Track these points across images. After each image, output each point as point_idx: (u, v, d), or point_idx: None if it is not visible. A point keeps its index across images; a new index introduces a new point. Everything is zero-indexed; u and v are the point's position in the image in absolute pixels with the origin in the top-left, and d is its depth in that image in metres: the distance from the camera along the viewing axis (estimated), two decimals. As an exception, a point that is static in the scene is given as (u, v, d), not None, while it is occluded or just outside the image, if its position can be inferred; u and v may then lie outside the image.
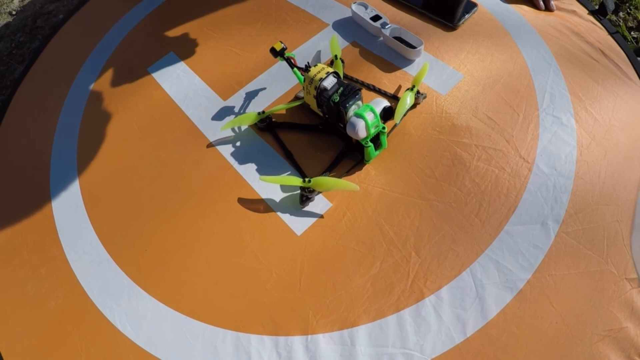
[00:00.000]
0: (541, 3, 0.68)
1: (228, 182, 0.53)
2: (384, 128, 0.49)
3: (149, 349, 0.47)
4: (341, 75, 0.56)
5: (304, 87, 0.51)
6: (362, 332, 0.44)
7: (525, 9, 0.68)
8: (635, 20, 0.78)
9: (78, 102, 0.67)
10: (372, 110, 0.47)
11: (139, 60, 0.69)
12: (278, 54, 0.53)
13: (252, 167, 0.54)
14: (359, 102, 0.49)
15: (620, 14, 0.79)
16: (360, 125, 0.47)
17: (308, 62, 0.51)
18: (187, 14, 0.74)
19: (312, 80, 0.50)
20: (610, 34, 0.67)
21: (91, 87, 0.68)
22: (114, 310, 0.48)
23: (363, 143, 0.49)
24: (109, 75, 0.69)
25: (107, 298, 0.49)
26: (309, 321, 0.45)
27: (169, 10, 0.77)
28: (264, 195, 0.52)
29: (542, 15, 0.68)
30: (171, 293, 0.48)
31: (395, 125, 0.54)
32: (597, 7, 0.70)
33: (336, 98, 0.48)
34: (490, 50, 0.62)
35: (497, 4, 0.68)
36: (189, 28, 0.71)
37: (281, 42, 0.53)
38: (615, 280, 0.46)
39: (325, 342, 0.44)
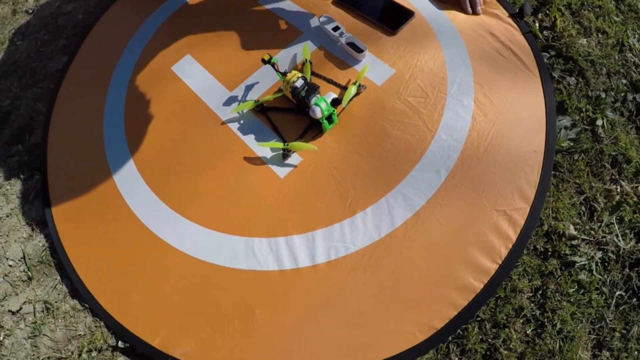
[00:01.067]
0: (469, 9, 0.91)
1: (236, 146, 0.81)
2: (334, 111, 0.76)
3: (191, 253, 0.76)
4: (309, 74, 0.82)
5: (283, 85, 0.78)
6: (319, 233, 0.73)
7: (455, 14, 0.92)
8: (550, 21, 0.99)
9: (119, 94, 0.92)
10: (325, 101, 0.75)
11: (163, 59, 0.94)
12: (266, 62, 0.80)
13: (251, 137, 0.82)
14: (318, 95, 0.77)
15: (540, 15, 1.00)
16: (317, 110, 0.74)
17: (286, 70, 0.79)
18: (197, 19, 0.98)
19: (288, 82, 0.77)
20: (523, 33, 0.90)
21: (128, 80, 0.94)
22: (165, 233, 0.77)
23: (320, 120, 0.76)
24: (141, 71, 0.94)
25: (159, 225, 0.78)
26: (287, 229, 0.74)
27: (183, 16, 1.00)
28: (259, 154, 0.80)
29: (468, 19, 0.91)
30: (200, 215, 0.77)
31: (343, 109, 0.81)
32: (517, 11, 0.92)
33: (303, 93, 0.76)
34: (418, 51, 0.87)
35: (433, 11, 0.92)
36: (200, 33, 0.96)
37: (269, 54, 0.80)
38: (486, 210, 0.73)
39: (298, 240, 0.73)
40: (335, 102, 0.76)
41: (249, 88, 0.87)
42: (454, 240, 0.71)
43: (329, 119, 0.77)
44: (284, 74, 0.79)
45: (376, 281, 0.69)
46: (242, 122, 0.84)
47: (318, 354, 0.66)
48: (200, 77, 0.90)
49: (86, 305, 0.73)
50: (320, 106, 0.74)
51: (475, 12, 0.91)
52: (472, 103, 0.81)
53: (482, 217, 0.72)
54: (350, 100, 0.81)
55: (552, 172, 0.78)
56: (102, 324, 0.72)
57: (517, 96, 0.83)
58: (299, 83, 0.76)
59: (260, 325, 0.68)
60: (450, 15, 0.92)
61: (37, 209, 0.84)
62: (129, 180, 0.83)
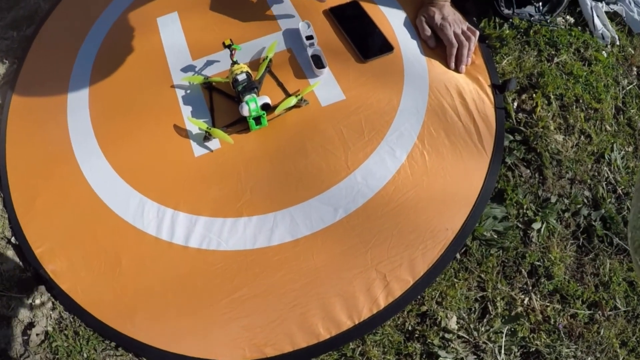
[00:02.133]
0: (452, 65, 0.87)
1: (172, 112, 0.84)
2: (264, 114, 0.77)
3: (94, 187, 0.80)
4: (262, 71, 0.83)
5: (228, 74, 0.80)
6: (202, 220, 0.75)
7: (435, 64, 0.88)
8: (531, 105, 0.90)
9: (99, 33, 0.96)
10: (255, 102, 0.75)
11: (152, 8, 0.97)
12: (226, 47, 0.82)
13: (189, 108, 0.84)
14: (253, 94, 0.78)
15: (523, 96, 0.94)
16: (245, 108, 0.76)
17: (237, 60, 0.80)
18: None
19: (232, 72, 0.79)
20: (495, 107, 0.85)
21: (115, 20, 0.97)
22: (84, 161, 0.82)
23: (247, 119, 0.77)
24: (129, 13, 0.97)
25: (83, 154, 0.83)
26: (179, 203, 0.76)
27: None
28: (188, 127, 0.83)
29: (445, 73, 0.87)
30: (117, 159, 0.81)
31: (277, 115, 0.81)
32: (500, 83, 0.87)
33: (239, 87, 0.77)
34: (377, 87, 0.85)
35: (414, 52, 0.89)
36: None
37: (230, 40, 0.81)
38: (367, 266, 0.70)
39: (183, 217, 0.75)
40: (266, 107, 0.77)
41: (209, 63, 0.88)
42: (321, 280, 0.70)
43: (258, 119, 0.78)
44: (234, 63, 0.81)
45: (229, 286, 0.70)
46: (188, 91, 0.86)
47: (158, 322, 0.69)
48: (175, 37, 0.93)
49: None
50: (249, 105, 0.75)
51: (457, 70, 0.87)
52: (405, 156, 0.79)
53: (360, 271, 0.70)
54: (288, 109, 0.81)
55: (458, 257, 0.73)
56: (7, 216, 0.79)
57: (455, 166, 0.79)
58: (241, 77, 0.78)
59: (120, 275, 0.72)
60: (429, 63, 0.88)
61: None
62: (78, 106, 0.88)
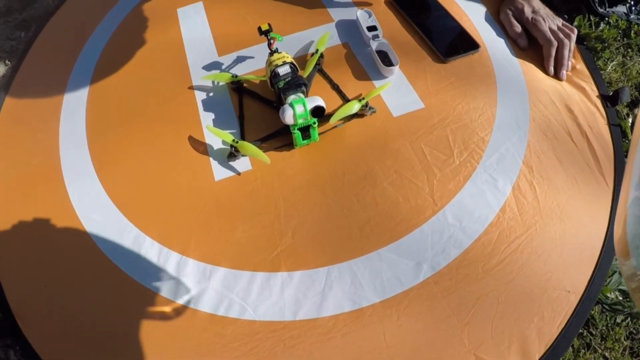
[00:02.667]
0: (551, 68, 0.66)
1: (188, 120, 0.63)
2: (314, 123, 0.55)
3: (80, 214, 0.58)
4: (310, 68, 0.62)
5: (265, 65, 0.59)
6: (220, 273, 0.51)
7: (530, 67, 0.67)
8: None
9: (112, 22, 0.79)
10: (304, 105, 0.53)
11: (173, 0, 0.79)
12: (262, 33, 0.60)
13: (210, 115, 0.63)
14: (300, 95, 0.55)
15: (637, 110, 0.72)
16: (288, 113, 0.53)
17: (277, 48, 0.58)
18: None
19: (270, 63, 0.57)
20: (609, 124, 0.63)
21: (131, 8, 0.79)
22: (71, 180, 0.61)
23: (291, 129, 0.55)
24: (141, 10, 0.79)
25: (70, 170, 0.62)
26: (189, 247, 0.53)
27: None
28: (207, 140, 0.61)
29: (545, 80, 0.66)
30: (112, 182, 0.59)
31: (334, 127, 0.59)
32: (610, 93, 0.66)
33: (281, 84, 0.55)
34: (465, 93, 0.62)
35: (504, 54, 0.68)
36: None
37: (268, 25, 0.60)
38: (461, 351, 0.47)
39: (193, 266, 0.52)
40: (319, 112, 0.54)
41: (239, 60, 0.68)
42: None
43: (306, 131, 0.55)
44: (272, 53, 0.59)
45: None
46: (210, 94, 0.65)
47: None
48: (199, 30, 0.73)
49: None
50: (294, 108, 0.53)
51: (557, 76, 0.66)
52: (509, 188, 0.55)
53: (451, 357, 0.47)
54: (347, 119, 0.59)
55: (579, 331, 0.50)
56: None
57: (573, 203, 0.56)
58: (283, 70, 0.55)
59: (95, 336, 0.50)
60: (524, 66, 0.66)
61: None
62: (74, 111, 0.68)
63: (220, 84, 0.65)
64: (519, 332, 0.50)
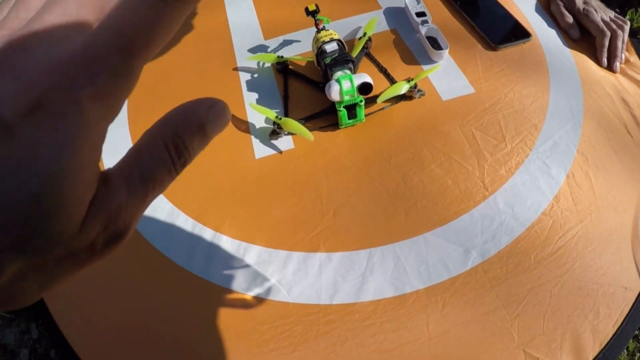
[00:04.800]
0: (604, 60, 0.63)
1: (232, 99, 0.62)
2: (361, 101, 0.53)
3: None
4: (357, 50, 0.61)
5: (312, 42, 0.58)
6: (254, 251, 0.50)
7: (583, 59, 0.64)
8: None
9: None
10: (351, 80, 0.52)
11: None
12: (309, 13, 0.60)
13: (254, 95, 0.63)
14: (347, 71, 0.54)
15: None
16: (335, 88, 0.52)
17: (324, 26, 0.58)
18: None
19: (317, 40, 0.56)
20: None
21: None
22: None
23: (337, 107, 0.54)
24: None
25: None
26: (223, 223, 0.52)
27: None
28: (250, 119, 0.60)
29: (598, 71, 0.63)
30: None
31: (382, 108, 0.58)
32: None
33: (328, 60, 0.54)
34: (517, 79, 0.60)
35: (556, 44, 0.65)
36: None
37: (316, 5, 0.60)
38: (509, 345, 0.45)
39: (226, 242, 0.51)
40: (366, 89, 0.52)
41: (286, 43, 0.68)
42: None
43: (352, 110, 0.54)
44: (320, 30, 0.59)
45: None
46: (255, 75, 0.65)
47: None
48: (245, 14, 0.74)
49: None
50: (341, 84, 0.52)
51: (610, 68, 0.63)
52: (563, 176, 0.52)
53: (500, 353, 0.44)
54: (395, 101, 0.58)
55: (635, 332, 0.46)
56: None
57: (629, 196, 0.53)
58: (330, 46, 0.55)
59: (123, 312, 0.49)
60: (576, 56, 0.63)
61: None
62: None
63: (266, 65, 0.65)
64: (572, 328, 0.46)
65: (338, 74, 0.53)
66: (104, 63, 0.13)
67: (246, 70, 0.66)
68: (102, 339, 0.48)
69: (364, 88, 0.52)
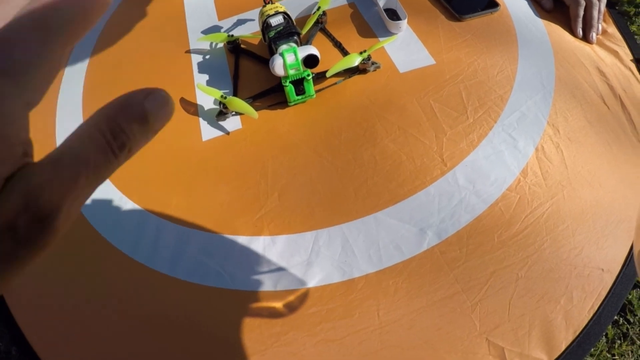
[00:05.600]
0: (579, 30, 0.59)
1: (183, 81, 0.59)
2: (308, 75, 0.50)
3: None
4: (309, 24, 0.57)
5: (258, 16, 0.55)
6: (198, 237, 0.46)
7: (555, 28, 0.60)
8: None
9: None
10: (295, 53, 0.48)
11: None
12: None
13: (204, 76, 0.59)
14: (292, 44, 0.51)
15: None
16: (278, 62, 0.48)
17: (271, 0, 0.55)
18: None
19: (262, 14, 0.53)
20: None
21: None
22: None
23: (283, 82, 0.50)
24: None
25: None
26: (169, 205, 0.49)
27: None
28: (199, 101, 0.57)
29: (573, 41, 0.59)
30: None
31: (335, 83, 0.54)
32: None
33: (271, 34, 0.51)
34: (482, 52, 0.56)
35: (526, 15, 0.61)
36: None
37: None
38: (471, 333, 0.41)
39: (170, 230, 0.47)
40: (312, 62, 0.49)
41: (240, 23, 0.64)
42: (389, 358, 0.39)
43: (299, 85, 0.51)
44: (266, 4, 0.55)
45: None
46: (207, 57, 0.62)
47: None
48: (201, -4, 0.71)
49: None
50: (285, 58, 0.48)
51: (586, 38, 0.59)
52: (532, 150, 0.48)
53: (459, 342, 0.40)
54: (348, 75, 0.54)
55: (614, 318, 0.42)
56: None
57: (605, 170, 0.48)
58: (275, 20, 0.51)
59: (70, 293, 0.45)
60: (548, 26, 0.59)
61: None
62: (73, 79, 0.66)
63: (218, 46, 0.62)
64: (542, 314, 0.42)
65: (282, 47, 0.50)
66: (18, 42, 0.13)
67: (198, 52, 0.62)
68: (55, 329, 0.45)
69: (310, 61, 0.48)
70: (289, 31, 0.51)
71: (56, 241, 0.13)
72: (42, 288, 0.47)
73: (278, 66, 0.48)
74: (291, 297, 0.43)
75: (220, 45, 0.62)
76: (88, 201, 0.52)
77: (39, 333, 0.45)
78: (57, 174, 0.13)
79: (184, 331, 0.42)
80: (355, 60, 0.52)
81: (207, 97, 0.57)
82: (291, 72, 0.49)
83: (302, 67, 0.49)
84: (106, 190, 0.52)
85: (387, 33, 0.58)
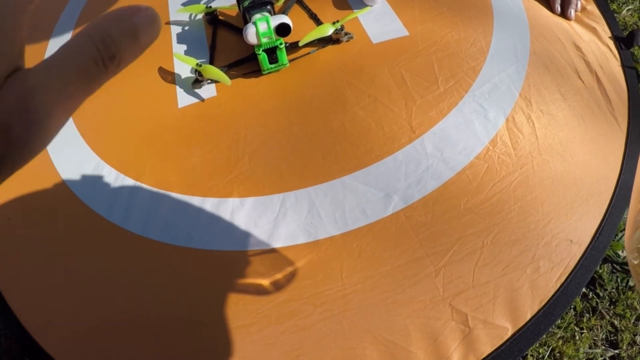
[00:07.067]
0: (557, 6, 0.59)
1: (161, 51, 0.59)
2: (281, 44, 0.50)
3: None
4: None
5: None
6: (170, 199, 0.47)
7: (534, 4, 0.60)
8: None
9: None
10: (267, 22, 0.48)
11: None
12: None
13: (183, 47, 0.60)
14: (265, 13, 0.51)
15: None
16: (251, 30, 0.49)
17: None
18: None
19: (237, -19, 0.53)
20: (623, 66, 0.55)
21: None
22: None
23: (256, 50, 0.50)
24: None
25: None
26: (144, 173, 0.49)
27: None
28: (177, 70, 0.57)
29: (550, 17, 0.59)
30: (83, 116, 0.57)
31: (308, 53, 0.54)
32: (625, 35, 0.57)
33: (246, 3, 0.51)
34: (456, 23, 0.56)
35: (505, -13, 0.61)
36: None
37: None
38: (435, 299, 0.41)
39: (146, 193, 0.48)
40: (284, 31, 0.49)
41: (219, -5, 0.65)
42: (351, 320, 0.40)
43: (272, 54, 0.51)
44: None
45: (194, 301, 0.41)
46: (186, 28, 0.62)
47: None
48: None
49: None
50: (257, 26, 0.48)
51: (564, 15, 0.59)
52: (502, 120, 0.48)
53: (421, 306, 0.41)
54: (322, 45, 0.54)
55: (583, 290, 0.42)
56: None
57: (577, 142, 0.49)
58: (249, -12, 0.52)
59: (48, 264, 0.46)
60: (526, 2, 0.59)
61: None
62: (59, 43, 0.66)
63: (197, 17, 0.62)
64: (507, 283, 0.42)
65: (256, 16, 0.50)
66: None
67: (177, 23, 0.63)
68: (32, 286, 0.45)
69: (282, 29, 0.49)
70: (263, 1, 0.51)
71: (45, 146, 0.14)
72: (20, 248, 0.48)
73: (251, 34, 0.49)
74: (257, 258, 0.43)
75: (200, 16, 0.62)
76: (67, 165, 0.53)
77: (16, 290, 0.45)
78: (50, 78, 0.13)
79: (154, 291, 0.43)
80: (328, 30, 0.52)
81: (184, 67, 0.57)
82: (264, 40, 0.49)
83: (274, 36, 0.49)
84: (85, 155, 0.52)
85: (362, 5, 0.58)
